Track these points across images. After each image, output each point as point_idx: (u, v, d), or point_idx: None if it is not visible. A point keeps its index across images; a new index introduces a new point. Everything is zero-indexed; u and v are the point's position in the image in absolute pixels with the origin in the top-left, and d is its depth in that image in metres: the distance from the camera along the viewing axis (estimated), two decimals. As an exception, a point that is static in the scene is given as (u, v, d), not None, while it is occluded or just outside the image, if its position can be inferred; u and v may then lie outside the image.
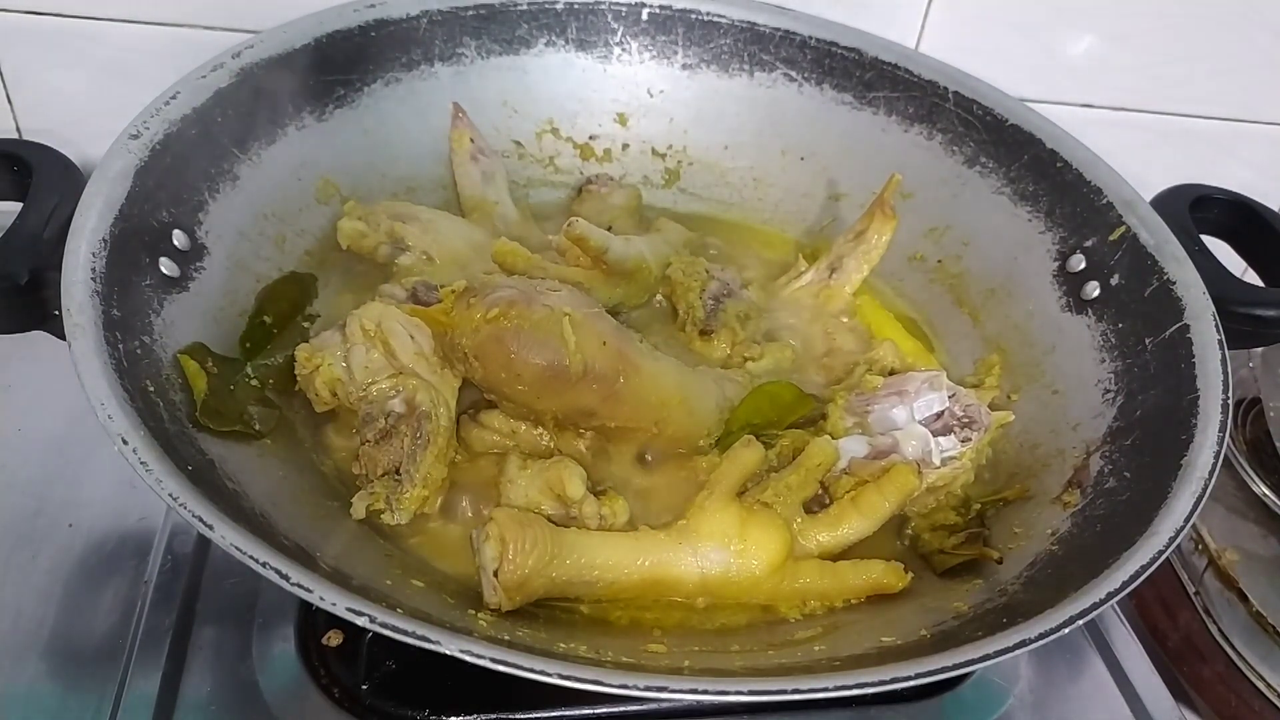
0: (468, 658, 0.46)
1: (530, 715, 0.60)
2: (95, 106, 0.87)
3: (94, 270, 0.57)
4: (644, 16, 0.88)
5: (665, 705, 0.61)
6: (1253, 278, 0.77)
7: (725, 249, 0.89)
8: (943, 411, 0.69)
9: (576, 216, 0.74)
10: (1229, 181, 0.81)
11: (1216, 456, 0.59)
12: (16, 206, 0.62)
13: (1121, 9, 0.93)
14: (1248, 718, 0.77)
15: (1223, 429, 0.61)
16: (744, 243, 0.91)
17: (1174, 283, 0.69)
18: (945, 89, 0.85)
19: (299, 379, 0.66)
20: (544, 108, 0.90)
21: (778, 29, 0.88)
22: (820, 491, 0.67)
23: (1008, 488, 0.70)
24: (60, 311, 0.54)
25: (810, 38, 0.88)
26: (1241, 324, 0.69)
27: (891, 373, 0.74)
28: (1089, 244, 0.76)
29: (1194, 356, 0.65)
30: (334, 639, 0.62)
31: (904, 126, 0.87)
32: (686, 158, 0.93)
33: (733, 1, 0.88)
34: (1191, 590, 0.80)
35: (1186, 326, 0.67)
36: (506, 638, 0.52)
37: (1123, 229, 0.74)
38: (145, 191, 0.63)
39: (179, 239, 0.65)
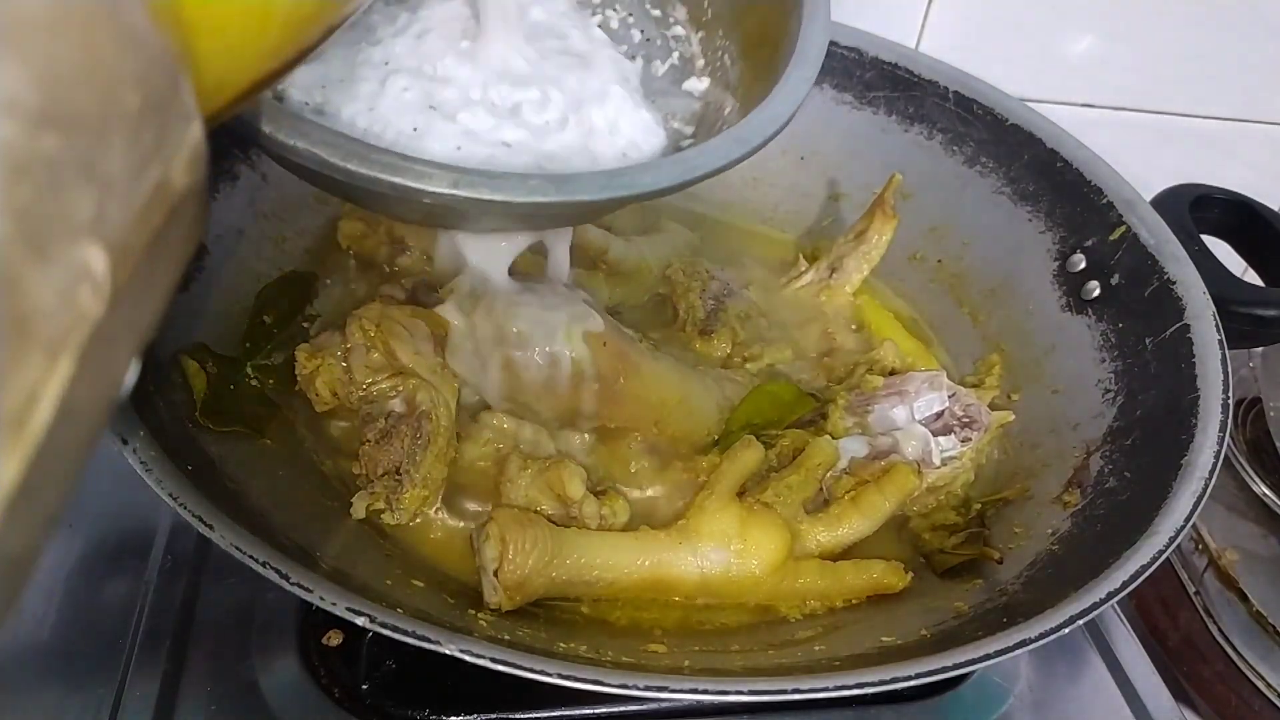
0: (468, 658, 0.46)
1: (530, 715, 0.60)
2: (95, 106, 0.87)
3: (94, 270, 0.57)
4: (644, 17, 0.88)
5: (665, 705, 0.61)
6: (1253, 278, 0.77)
7: (726, 249, 0.89)
8: (943, 411, 0.69)
9: (576, 216, 0.74)
10: (1229, 181, 0.81)
11: (1217, 456, 0.59)
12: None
13: (1121, 9, 0.93)
14: (1248, 718, 0.77)
15: (1223, 429, 0.61)
16: (744, 243, 0.91)
17: (1174, 282, 0.69)
18: (945, 89, 0.85)
19: (299, 379, 0.66)
20: (544, 107, 0.90)
21: (778, 29, 0.88)
22: (820, 491, 0.67)
23: (1008, 488, 0.70)
24: (60, 311, 0.54)
25: (810, 38, 0.88)
26: (1241, 324, 0.69)
27: (892, 373, 0.74)
28: (1089, 244, 0.76)
29: (1194, 356, 0.65)
30: (334, 639, 0.62)
31: (904, 126, 0.87)
32: (686, 158, 0.93)
33: (733, 2, 0.88)
34: (1191, 590, 0.80)
35: (1187, 326, 0.67)
36: (506, 638, 0.52)
37: (1123, 229, 0.74)
38: (145, 191, 0.63)
39: (179, 239, 0.65)
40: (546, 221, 0.58)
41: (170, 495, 0.48)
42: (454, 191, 0.43)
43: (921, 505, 0.69)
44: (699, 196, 0.92)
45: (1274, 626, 0.75)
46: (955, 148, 0.85)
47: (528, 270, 0.74)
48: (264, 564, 0.47)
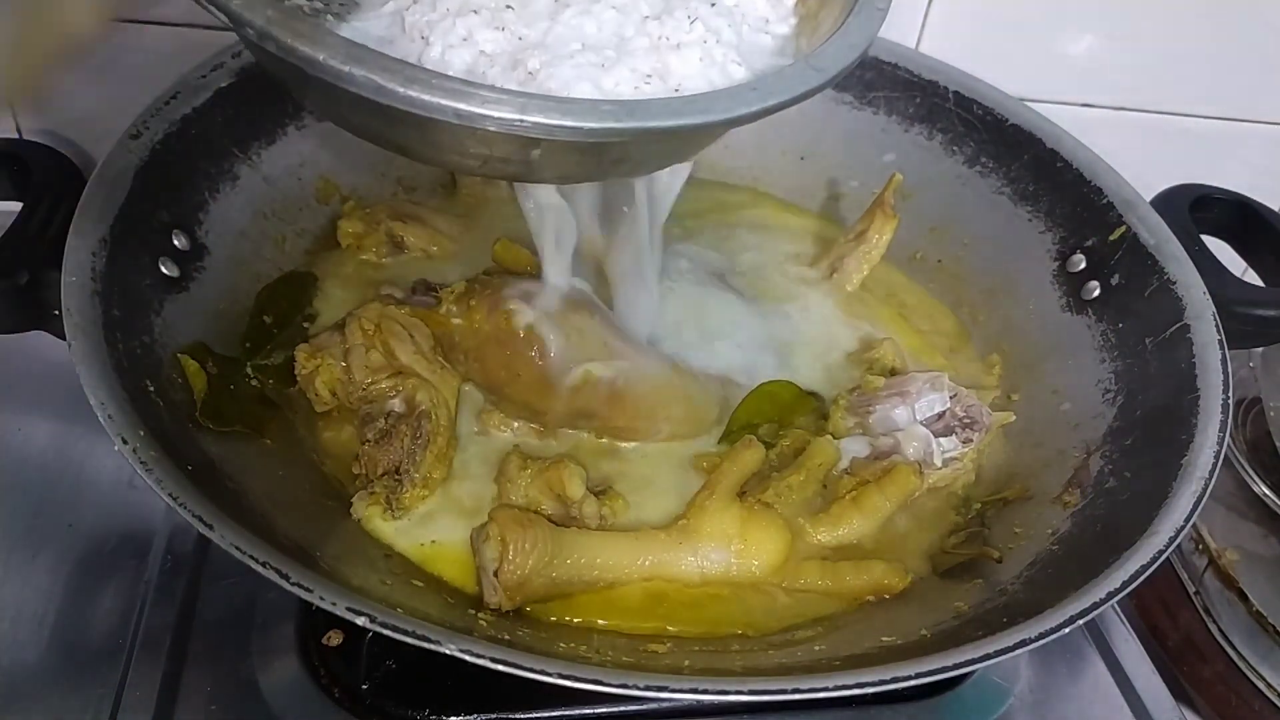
0: (468, 658, 0.46)
1: (530, 715, 0.60)
2: (95, 106, 0.87)
3: (94, 270, 0.57)
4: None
5: (665, 705, 0.61)
6: (1253, 278, 0.77)
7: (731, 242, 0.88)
8: (944, 412, 0.69)
9: (576, 216, 0.74)
10: (1229, 181, 0.81)
11: (1217, 456, 0.59)
12: (16, 206, 0.62)
13: (1121, 9, 0.93)
14: (1248, 718, 0.76)
15: (1223, 429, 0.61)
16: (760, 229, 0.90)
17: (1174, 283, 0.69)
18: (945, 89, 0.85)
19: (299, 379, 0.66)
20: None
21: (778, 29, 0.88)
22: (822, 491, 0.67)
23: (1008, 488, 0.70)
24: (60, 311, 0.54)
25: (810, 38, 0.87)
26: (1241, 324, 0.69)
27: (893, 373, 0.74)
28: (1089, 244, 0.76)
29: (1194, 356, 0.65)
30: (334, 639, 0.62)
31: (904, 126, 0.87)
32: (687, 158, 0.93)
33: (733, 1, 0.88)
34: (1191, 590, 0.80)
35: (1186, 326, 0.67)
36: (506, 637, 0.52)
37: (1123, 229, 0.74)
38: (145, 191, 0.63)
39: (179, 239, 0.65)
40: (614, 164, 0.53)
41: (170, 495, 0.48)
42: (521, 117, 0.40)
43: (921, 506, 0.69)
44: (699, 196, 0.92)
45: (1274, 626, 0.75)
46: (955, 148, 0.85)
47: (528, 271, 0.74)
48: (264, 564, 0.47)
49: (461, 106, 0.40)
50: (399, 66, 0.40)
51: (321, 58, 0.40)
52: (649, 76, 0.50)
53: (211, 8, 0.41)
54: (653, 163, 0.58)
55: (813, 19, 0.56)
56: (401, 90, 0.40)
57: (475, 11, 0.49)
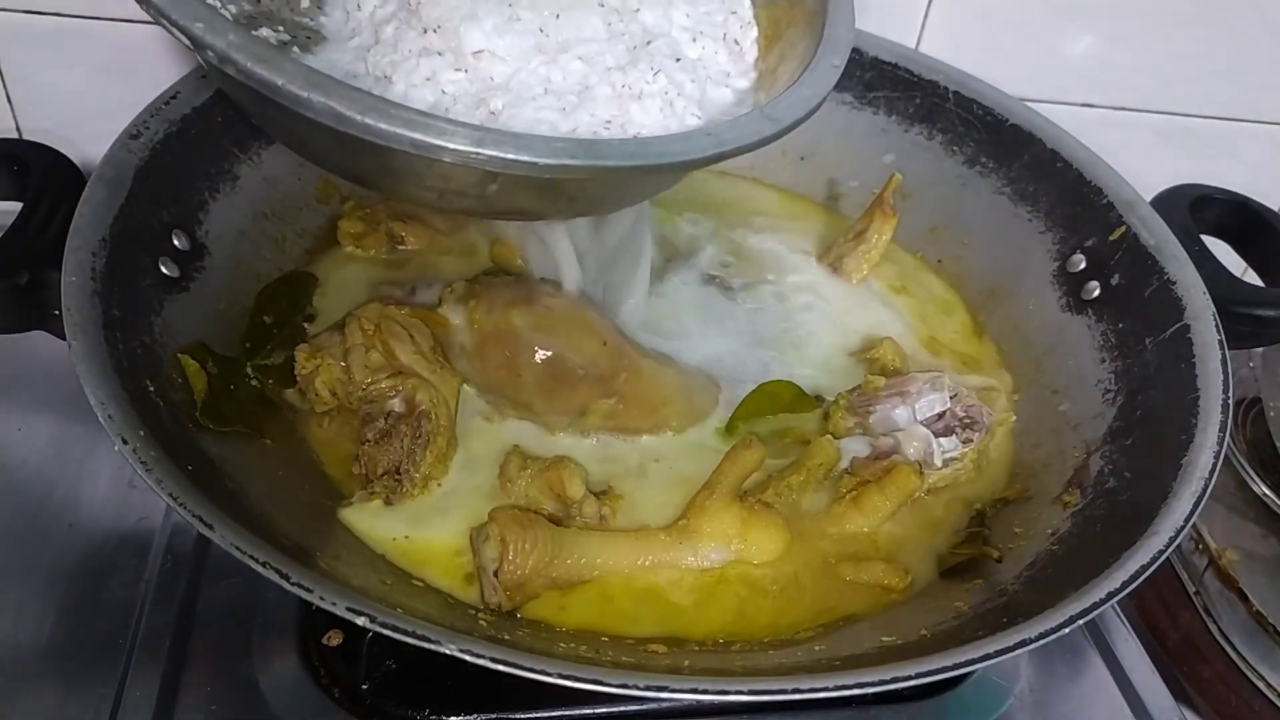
0: (468, 658, 0.46)
1: (530, 715, 0.60)
2: (95, 106, 0.86)
3: (94, 270, 0.57)
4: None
5: (665, 705, 0.61)
6: (1253, 278, 0.77)
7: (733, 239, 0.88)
8: (944, 412, 0.69)
9: (576, 216, 0.74)
10: (1229, 181, 0.81)
11: (1217, 456, 0.59)
12: (16, 206, 0.62)
13: (1121, 9, 0.93)
14: (1248, 718, 0.76)
15: (1223, 429, 0.61)
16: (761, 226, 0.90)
17: (1174, 283, 0.69)
18: (945, 89, 0.85)
19: (299, 379, 0.66)
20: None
21: (778, 29, 0.88)
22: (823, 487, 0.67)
23: (1008, 488, 0.70)
24: (60, 311, 0.54)
25: (810, 38, 0.87)
26: (1241, 324, 0.69)
27: (893, 372, 0.74)
28: (1089, 244, 0.76)
29: (1194, 356, 0.65)
30: (334, 639, 0.62)
31: (904, 126, 0.87)
32: (686, 158, 0.93)
33: (733, 1, 0.88)
34: (1191, 590, 0.80)
35: (1187, 326, 0.67)
36: (506, 637, 0.52)
37: (1123, 229, 0.74)
38: (145, 191, 0.63)
39: (179, 239, 0.65)
40: (570, 203, 0.55)
41: (170, 495, 0.48)
42: (478, 150, 0.40)
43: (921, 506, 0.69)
44: (699, 196, 0.92)
45: (1274, 626, 0.75)
46: (955, 148, 0.85)
47: (528, 268, 0.74)
48: (264, 564, 0.47)
49: (418, 136, 0.40)
50: (357, 95, 0.41)
51: (280, 83, 0.40)
52: (608, 123, 0.51)
53: (174, 30, 0.41)
54: (609, 203, 0.59)
55: (771, 74, 0.58)
56: (359, 118, 0.40)
57: (440, 54, 0.50)
